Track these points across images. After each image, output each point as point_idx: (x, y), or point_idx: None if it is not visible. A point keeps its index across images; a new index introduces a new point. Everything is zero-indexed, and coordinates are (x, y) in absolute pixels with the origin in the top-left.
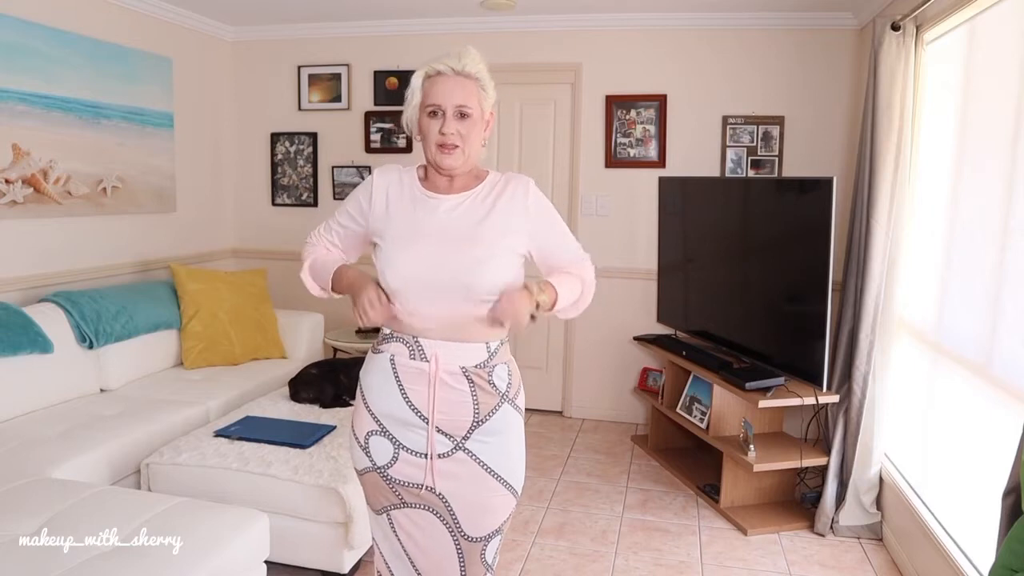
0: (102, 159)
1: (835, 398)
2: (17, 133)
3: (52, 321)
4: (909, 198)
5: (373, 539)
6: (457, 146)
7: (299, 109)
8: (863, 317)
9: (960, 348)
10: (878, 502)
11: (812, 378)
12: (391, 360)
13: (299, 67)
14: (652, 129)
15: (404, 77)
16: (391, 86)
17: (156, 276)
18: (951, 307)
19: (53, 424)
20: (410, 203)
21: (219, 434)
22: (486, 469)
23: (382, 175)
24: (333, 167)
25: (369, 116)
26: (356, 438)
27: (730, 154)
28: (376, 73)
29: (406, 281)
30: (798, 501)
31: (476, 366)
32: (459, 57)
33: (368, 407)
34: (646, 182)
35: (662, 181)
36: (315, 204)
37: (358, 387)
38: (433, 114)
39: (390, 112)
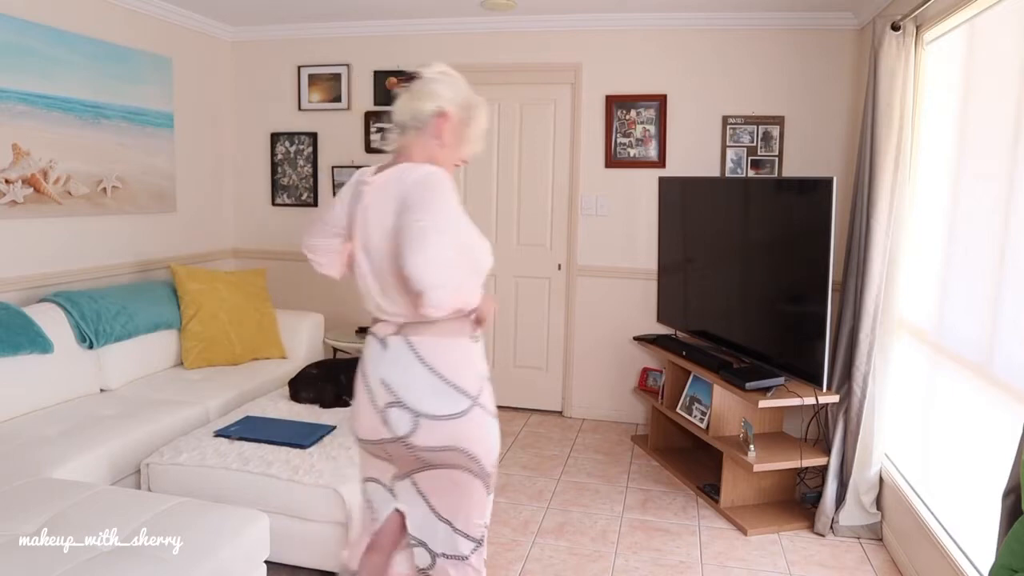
0: (102, 159)
1: (835, 398)
2: (17, 133)
3: (52, 321)
4: (909, 198)
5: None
6: None
7: (299, 109)
8: (863, 317)
9: (960, 348)
10: (878, 502)
11: (812, 378)
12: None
13: (299, 67)
14: (652, 129)
15: (404, 77)
16: (391, 86)
17: (156, 276)
18: (951, 307)
19: (53, 424)
20: None
21: (219, 434)
22: None
23: None
24: (333, 167)
25: (369, 116)
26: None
27: (730, 154)
28: (376, 73)
29: None
30: (798, 501)
31: None
32: None
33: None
34: (646, 182)
35: (662, 181)
36: (315, 204)
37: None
38: None
39: (390, 112)
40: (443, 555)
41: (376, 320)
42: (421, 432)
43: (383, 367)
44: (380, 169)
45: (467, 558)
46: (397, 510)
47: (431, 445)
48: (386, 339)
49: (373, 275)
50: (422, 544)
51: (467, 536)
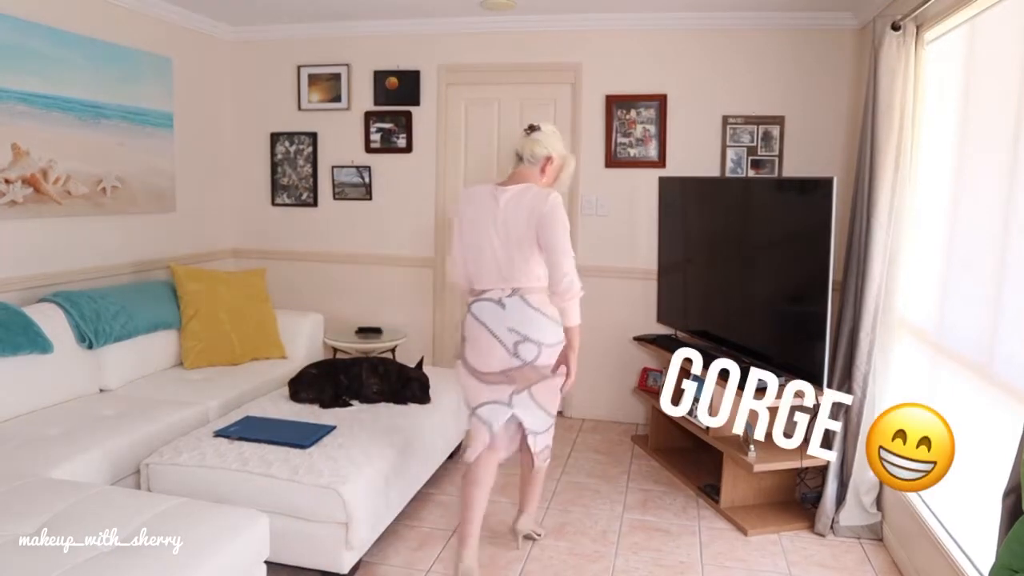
0: (102, 159)
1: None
2: (17, 133)
3: (52, 321)
4: (909, 198)
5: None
6: None
7: (299, 109)
8: (863, 317)
9: (961, 348)
10: (878, 502)
11: (812, 378)
12: None
13: (299, 67)
14: (652, 129)
15: (404, 77)
16: (391, 86)
17: (156, 276)
18: (952, 307)
19: (53, 424)
20: None
21: (219, 434)
22: None
23: None
24: (333, 167)
25: (369, 116)
26: None
27: (730, 154)
28: (376, 73)
29: None
30: (798, 501)
31: None
32: None
33: None
34: (646, 182)
35: (662, 181)
36: (315, 204)
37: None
38: None
39: (390, 112)
40: (542, 434)
41: (483, 291)
42: (543, 355)
43: (508, 319)
44: (503, 184)
45: (551, 429)
46: (514, 415)
47: (550, 363)
48: (502, 300)
49: (504, 251)
50: (535, 433)
51: (552, 416)
